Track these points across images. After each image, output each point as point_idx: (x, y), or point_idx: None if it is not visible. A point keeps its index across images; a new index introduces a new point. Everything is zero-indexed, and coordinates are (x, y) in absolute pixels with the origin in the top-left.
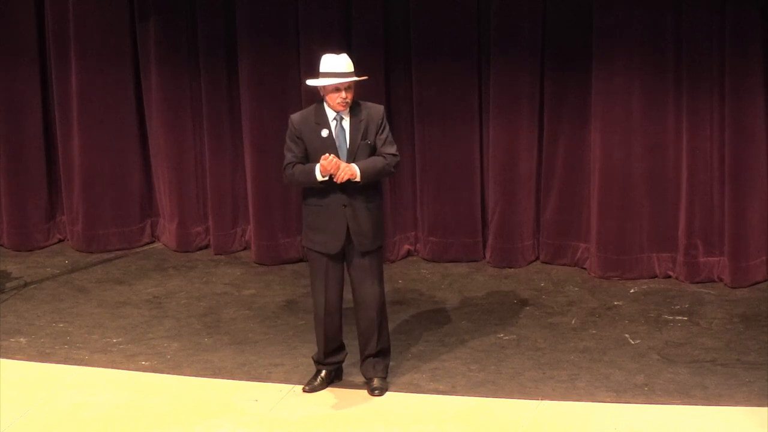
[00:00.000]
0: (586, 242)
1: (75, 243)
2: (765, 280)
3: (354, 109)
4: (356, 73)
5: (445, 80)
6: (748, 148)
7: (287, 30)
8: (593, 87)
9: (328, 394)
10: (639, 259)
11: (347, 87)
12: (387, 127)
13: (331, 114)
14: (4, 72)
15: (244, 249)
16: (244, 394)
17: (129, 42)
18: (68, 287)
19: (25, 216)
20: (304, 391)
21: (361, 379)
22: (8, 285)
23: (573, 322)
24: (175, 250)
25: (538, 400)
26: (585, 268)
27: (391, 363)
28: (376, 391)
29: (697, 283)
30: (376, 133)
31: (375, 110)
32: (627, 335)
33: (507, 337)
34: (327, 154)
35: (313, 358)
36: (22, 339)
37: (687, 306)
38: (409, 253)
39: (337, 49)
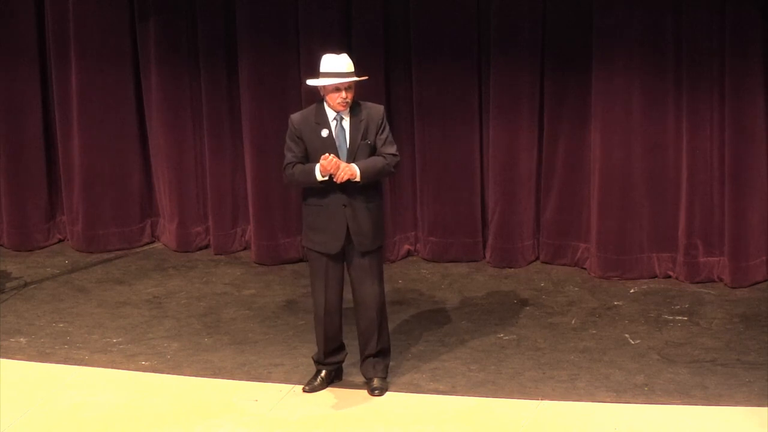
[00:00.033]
0: (586, 242)
1: (75, 243)
2: (765, 280)
3: (354, 109)
4: (356, 73)
5: (445, 80)
6: (748, 148)
7: (287, 30)
8: (593, 87)
9: (328, 394)
10: (639, 259)
11: (347, 87)
12: (387, 127)
13: (331, 114)
14: (4, 72)
15: (244, 249)
16: (244, 394)
17: (129, 42)
18: (68, 287)
19: (25, 216)
20: (304, 391)
21: (361, 379)
22: (8, 285)
23: (573, 322)
24: (175, 250)
25: (538, 400)
26: (585, 268)
27: (391, 363)
28: (376, 391)
29: (697, 283)
30: (376, 133)
31: (375, 110)
32: (627, 335)
33: (507, 337)
34: (327, 154)
35: (313, 358)
36: (22, 339)
37: (687, 306)
38: (409, 253)
39: (337, 49)
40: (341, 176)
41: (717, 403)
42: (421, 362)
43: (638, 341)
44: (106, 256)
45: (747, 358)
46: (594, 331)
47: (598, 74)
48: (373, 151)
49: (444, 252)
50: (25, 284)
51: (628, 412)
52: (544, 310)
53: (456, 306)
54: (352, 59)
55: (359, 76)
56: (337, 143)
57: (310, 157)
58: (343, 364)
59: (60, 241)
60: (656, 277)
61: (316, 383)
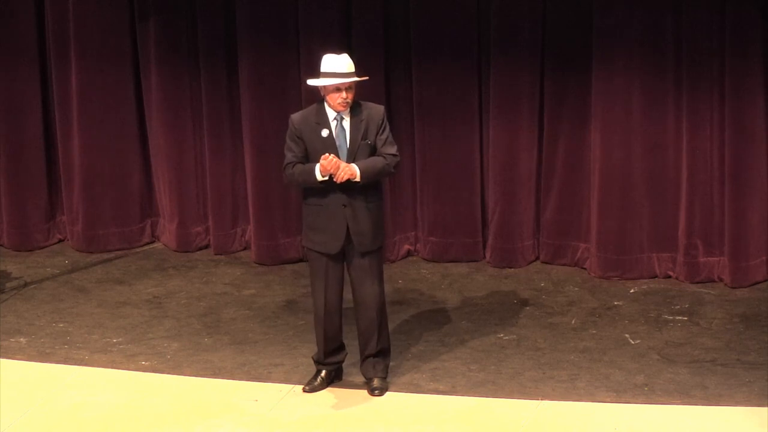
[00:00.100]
0: (586, 242)
1: (75, 243)
2: (765, 280)
3: (354, 109)
4: (357, 73)
5: (445, 80)
6: (748, 148)
7: (287, 30)
8: (593, 87)
9: (328, 394)
10: (639, 259)
11: (348, 87)
12: (387, 128)
13: (331, 114)
14: (4, 72)
15: (244, 249)
16: (244, 394)
17: (129, 42)
18: (68, 287)
19: (25, 216)
20: (304, 391)
21: (361, 379)
22: (8, 285)
23: (573, 322)
24: (175, 250)
25: (538, 400)
26: (585, 268)
27: (391, 363)
28: (376, 391)
29: (697, 283)
30: (377, 134)
31: (375, 110)
32: (627, 335)
33: (507, 337)
34: (327, 154)
35: (313, 358)
36: (22, 339)
37: (687, 306)
38: (409, 253)
39: (337, 49)
40: (341, 176)
41: (717, 403)
42: (421, 362)
43: (638, 341)
44: (106, 256)
45: (747, 358)
46: (594, 331)
47: (598, 74)
48: (373, 151)
49: (444, 252)
50: (25, 284)
51: (628, 412)
52: (544, 310)
53: (456, 306)
54: (352, 59)
55: (360, 77)
56: (337, 143)
57: (310, 157)
58: (343, 364)
59: (60, 241)
60: (656, 277)
61: (316, 383)
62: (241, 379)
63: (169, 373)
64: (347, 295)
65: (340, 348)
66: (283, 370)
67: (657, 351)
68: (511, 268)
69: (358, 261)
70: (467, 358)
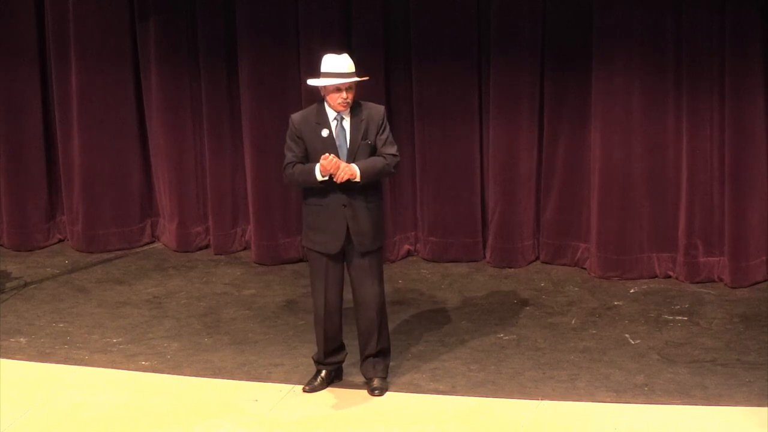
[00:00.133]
0: (586, 242)
1: (75, 243)
2: (765, 280)
3: (354, 109)
4: (357, 73)
5: (445, 80)
6: (748, 148)
7: (287, 30)
8: (593, 87)
9: (328, 394)
10: (639, 259)
11: (348, 87)
12: (387, 128)
13: (331, 114)
14: (4, 72)
15: (244, 249)
16: (244, 394)
17: (129, 42)
18: (68, 287)
19: (25, 216)
20: (304, 391)
21: (361, 379)
22: (8, 285)
23: (573, 322)
24: (175, 250)
25: (538, 400)
26: (585, 268)
27: (391, 363)
28: (376, 391)
29: (697, 283)
30: (377, 134)
31: (375, 110)
32: (627, 335)
33: (507, 337)
34: (327, 154)
35: (313, 358)
36: (22, 339)
37: (687, 306)
38: (409, 253)
39: (337, 49)
40: (341, 176)
41: (717, 403)
42: (421, 362)
43: (638, 341)
44: (106, 256)
45: (747, 358)
46: (594, 331)
47: (598, 74)
48: (373, 151)
49: (444, 252)
50: (25, 284)
51: (628, 412)
52: (544, 310)
53: (456, 306)
54: (352, 59)
55: (360, 77)
56: (337, 143)
57: (310, 157)
58: (343, 364)
59: (60, 241)
60: (656, 277)
61: (316, 383)
62: (241, 379)
63: (169, 373)
64: (347, 295)
65: (340, 348)
66: (283, 370)
67: (657, 351)
68: (511, 268)
69: (358, 261)
70: (467, 358)
